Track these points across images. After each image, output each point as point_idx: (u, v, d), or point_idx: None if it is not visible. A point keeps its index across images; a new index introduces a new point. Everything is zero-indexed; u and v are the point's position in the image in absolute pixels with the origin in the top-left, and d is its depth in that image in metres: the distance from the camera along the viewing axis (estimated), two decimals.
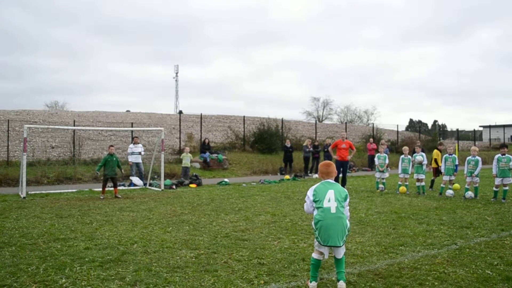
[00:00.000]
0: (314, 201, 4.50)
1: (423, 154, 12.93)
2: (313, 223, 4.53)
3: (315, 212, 4.49)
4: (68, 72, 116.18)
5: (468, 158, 11.91)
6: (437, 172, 14.03)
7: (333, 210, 4.38)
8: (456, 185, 12.48)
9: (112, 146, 12.98)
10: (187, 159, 17.11)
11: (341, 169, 13.84)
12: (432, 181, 14.19)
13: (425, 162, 12.82)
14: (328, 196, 4.43)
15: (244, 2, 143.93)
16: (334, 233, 4.33)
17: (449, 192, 12.13)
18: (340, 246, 4.38)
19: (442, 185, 12.46)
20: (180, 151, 23.28)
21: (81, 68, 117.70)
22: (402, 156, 13.60)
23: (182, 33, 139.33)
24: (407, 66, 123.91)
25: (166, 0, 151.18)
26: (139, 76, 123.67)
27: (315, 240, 4.51)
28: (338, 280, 4.42)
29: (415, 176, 12.87)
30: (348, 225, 4.49)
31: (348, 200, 4.56)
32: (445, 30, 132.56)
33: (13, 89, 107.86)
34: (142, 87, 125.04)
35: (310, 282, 4.46)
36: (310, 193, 4.56)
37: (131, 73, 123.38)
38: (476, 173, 11.54)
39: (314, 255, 4.51)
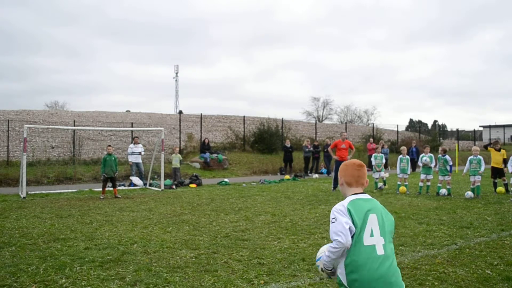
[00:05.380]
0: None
1: (432, 155, 12.92)
2: (342, 271, 2.57)
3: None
4: (70, 72, 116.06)
5: (470, 157, 12.14)
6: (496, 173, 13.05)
7: (380, 252, 2.53)
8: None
9: (110, 146, 13.04)
10: (176, 159, 16.79)
11: None
12: (495, 184, 13.06)
13: (433, 163, 12.81)
14: (370, 225, 2.57)
15: (250, 3, 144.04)
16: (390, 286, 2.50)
17: (443, 190, 12.37)
18: None
19: (438, 184, 12.57)
20: (180, 151, 23.30)
21: (83, 69, 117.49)
22: (401, 156, 13.63)
23: (186, 34, 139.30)
24: (409, 66, 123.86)
25: (171, 1, 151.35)
26: (142, 77, 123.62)
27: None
28: None
29: (424, 176, 12.75)
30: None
31: (393, 227, 2.74)
32: (448, 31, 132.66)
33: (15, 90, 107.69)
34: (145, 88, 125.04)
35: None
36: (342, 217, 2.57)
37: (134, 74, 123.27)
38: (481, 170, 11.81)
39: None
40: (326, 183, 16.65)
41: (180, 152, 23.13)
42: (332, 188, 13.91)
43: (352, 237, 2.52)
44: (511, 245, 6.33)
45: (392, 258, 2.57)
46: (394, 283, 2.51)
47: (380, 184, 13.74)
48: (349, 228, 2.52)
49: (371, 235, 2.55)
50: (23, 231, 7.35)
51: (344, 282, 2.54)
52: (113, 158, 12.46)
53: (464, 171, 12.63)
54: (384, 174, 13.89)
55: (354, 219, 2.56)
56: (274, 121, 27.62)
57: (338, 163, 13.84)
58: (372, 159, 14.26)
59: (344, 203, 2.66)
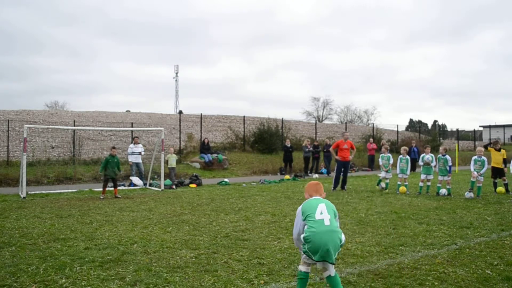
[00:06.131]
0: (304, 216, 3.97)
1: (432, 155, 12.91)
2: (302, 237, 3.94)
3: (305, 228, 3.92)
4: (71, 72, 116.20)
5: (474, 157, 12.18)
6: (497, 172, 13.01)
7: (327, 223, 3.88)
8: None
9: (114, 148, 12.95)
10: (172, 160, 16.91)
11: (342, 169, 13.87)
12: (495, 184, 13.05)
13: (434, 163, 12.80)
14: (319, 209, 3.96)
15: (251, 4, 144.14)
16: (329, 247, 3.79)
17: (443, 190, 12.37)
18: (334, 263, 3.90)
19: (438, 184, 12.57)
20: (180, 151, 23.29)
21: (84, 69, 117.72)
22: (400, 156, 13.62)
23: (187, 34, 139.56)
24: (410, 66, 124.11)
25: (171, 1, 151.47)
26: (143, 77, 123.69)
27: (302, 254, 4.02)
28: None
29: (424, 176, 12.75)
30: (343, 240, 3.98)
31: (338, 216, 4.11)
32: (448, 32, 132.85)
33: (15, 90, 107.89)
34: (145, 88, 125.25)
35: None
36: (299, 210, 4.07)
37: (134, 74, 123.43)
38: (482, 172, 11.83)
39: (302, 268, 4.05)
40: (326, 183, 16.62)
41: (180, 152, 23.16)
42: (332, 188, 13.89)
43: (307, 217, 3.95)
44: (511, 245, 6.33)
45: (335, 230, 3.91)
46: (332, 242, 3.82)
47: (382, 184, 13.77)
48: (300, 214, 4.05)
49: (321, 213, 3.93)
50: (23, 231, 7.35)
51: (303, 241, 3.92)
52: (115, 160, 12.48)
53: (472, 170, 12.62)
54: (389, 175, 13.90)
55: (304, 212, 4.00)
56: (274, 121, 27.62)
57: (341, 163, 13.86)
58: (380, 159, 14.27)
59: (302, 204, 4.12)
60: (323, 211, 3.94)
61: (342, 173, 13.93)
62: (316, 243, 3.80)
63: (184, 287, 4.54)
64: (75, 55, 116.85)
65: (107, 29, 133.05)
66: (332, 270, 3.94)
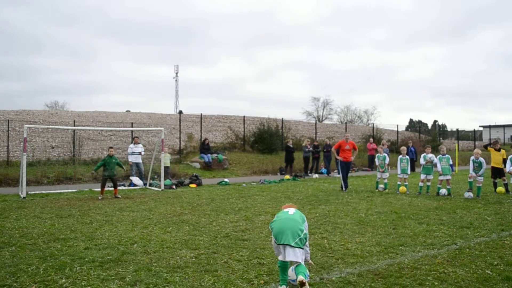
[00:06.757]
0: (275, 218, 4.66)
1: (433, 155, 12.90)
2: (269, 226, 4.65)
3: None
4: (71, 72, 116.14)
5: (472, 158, 12.22)
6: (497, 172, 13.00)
7: (290, 213, 4.61)
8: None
9: (111, 148, 12.96)
10: (166, 158, 17.12)
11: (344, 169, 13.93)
12: (495, 184, 13.05)
13: (435, 161, 12.79)
14: (288, 209, 4.77)
15: (251, 4, 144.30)
16: (287, 230, 4.33)
17: (443, 190, 12.38)
18: (293, 246, 4.27)
19: (438, 185, 12.58)
20: (180, 151, 23.29)
21: (84, 69, 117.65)
22: (400, 156, 13.62)
23: (187, 34, 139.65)
24: (410, 66, 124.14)
25: (171, 1, 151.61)
26: (143, 77, 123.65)
27: (274, 248, 4.55)
28: (297, 275, 4.16)
29: (424, 176, 12.75)
30: (306, 232, 4.47)
31: (306, 222, 4.66)
32: (448, 32, 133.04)
33: (15, 90, 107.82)
34: (145, 88, 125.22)
35: (280, 286, 4.38)
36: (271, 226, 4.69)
37: (134, 74, 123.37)
38: (480, 173, 11.88)
39: (280, 257, 4.45)
40: (326, 183, 16.65)
41: (180, 152, 23.16)
42: (344, 189, 13.79)
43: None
44: (511, 245, 6.33)
45: (297, 220, 4.50)
46: (291, 227, 4.36)
47: (380, 186, 13.74)
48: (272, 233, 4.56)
49: (288, 210, 4.70)
50: (23, 231, 7.35)
51: (272, 240, 4.52)
52: (113, 160, 12.46)
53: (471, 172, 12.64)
54: (386, 175, 13.89)
55: (275, 219, 4.61)
56: (274, 121, 27.60)
57: (343, 163, 13.94)
58: (376, 159, 14.30)
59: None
60: (290, 210, 4.71)
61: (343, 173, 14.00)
62: (277, 228, 4.43)
63: (184, 287, 4.54)
64: (75, 55, 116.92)
65: (107, 29, 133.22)
66: (294, 256, 4.24)
